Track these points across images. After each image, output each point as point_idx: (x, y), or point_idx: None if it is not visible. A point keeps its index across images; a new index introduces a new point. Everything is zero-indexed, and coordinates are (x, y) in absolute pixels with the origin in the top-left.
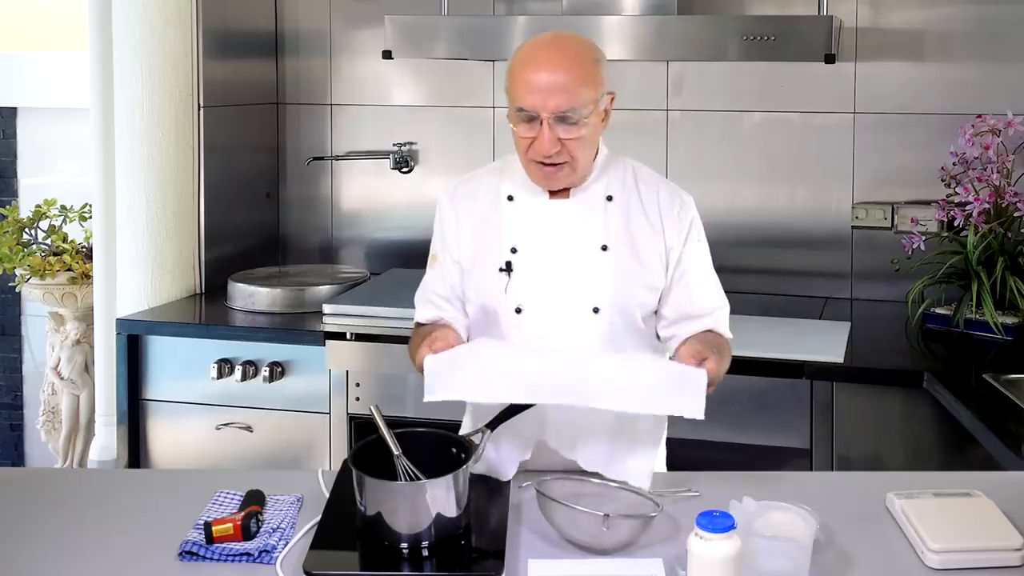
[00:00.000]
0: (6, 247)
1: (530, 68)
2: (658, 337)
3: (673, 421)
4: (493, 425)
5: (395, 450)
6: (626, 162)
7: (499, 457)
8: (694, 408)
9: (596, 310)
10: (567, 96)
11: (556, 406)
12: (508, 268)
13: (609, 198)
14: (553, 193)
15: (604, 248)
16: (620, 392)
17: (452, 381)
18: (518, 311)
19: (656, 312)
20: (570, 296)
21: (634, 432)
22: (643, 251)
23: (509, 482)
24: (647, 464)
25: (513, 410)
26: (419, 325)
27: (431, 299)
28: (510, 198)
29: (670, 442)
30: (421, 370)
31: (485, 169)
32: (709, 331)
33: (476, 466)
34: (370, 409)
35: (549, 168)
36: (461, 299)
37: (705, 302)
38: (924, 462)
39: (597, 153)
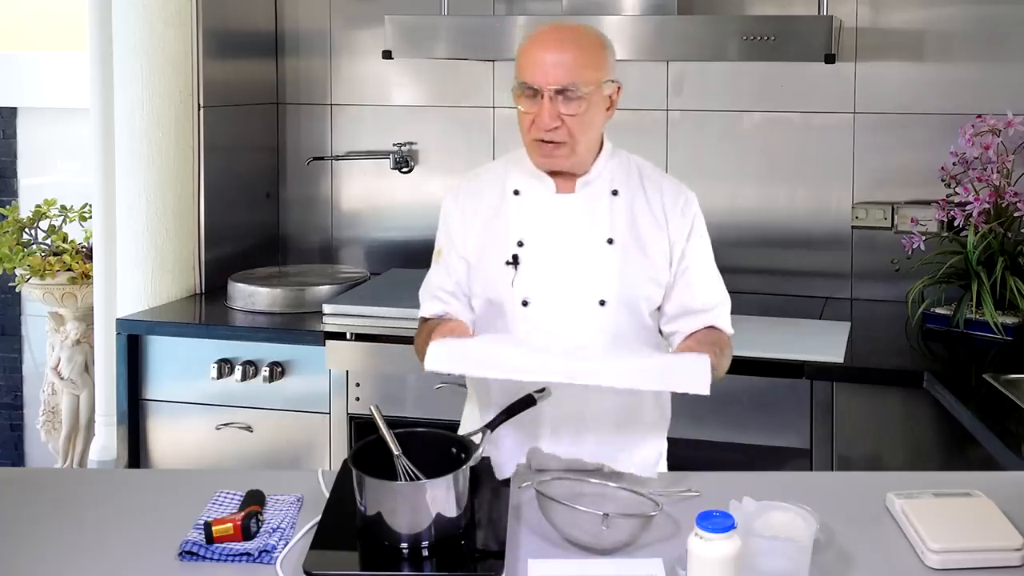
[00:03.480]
0: (6, 247)
1: (536, 46)
2: (660, 333)
3: (673, 420)
4: (493, 425)
5: (395, 450)
6: (630, 158)
7: (498, 457)
8: (699, 385)
9: (602, 303)
10: (567, 72)
11: (555, 405)
12: (515, 261)
13: (614, 192)
14: (559, 187)
15: (610, 241)
16: (625, 371)
17: (456, 353)
18: (524, 304)
19: (659, 308)
20: (576, 289)
21: (640, 424)
22: (648, 245)
23: (509, 482)
24: (653, 455)
25: (514, 409)
26: (424, 320)
27: (436, 294)
28: (516, 192)
29: (670, 441)
30: None
31: (492, 164)
32: (711, 327)
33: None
34: (370, 409)
35: (548, 145)
36: (467, 294)
37: (707, 298)
38: (924, 462)
39: (602, 147)
